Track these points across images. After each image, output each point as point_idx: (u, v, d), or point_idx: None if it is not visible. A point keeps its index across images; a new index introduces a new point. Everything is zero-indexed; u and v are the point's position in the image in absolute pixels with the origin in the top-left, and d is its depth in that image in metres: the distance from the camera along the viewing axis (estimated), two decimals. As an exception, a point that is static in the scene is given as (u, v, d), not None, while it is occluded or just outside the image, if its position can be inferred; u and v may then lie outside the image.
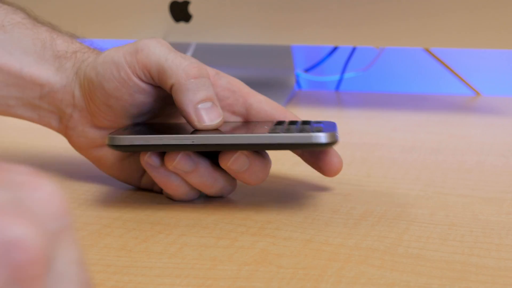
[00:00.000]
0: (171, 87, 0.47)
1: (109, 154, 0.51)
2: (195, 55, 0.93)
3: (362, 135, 0.70)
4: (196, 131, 0.46)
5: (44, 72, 0.51)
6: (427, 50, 0.97)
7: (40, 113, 0.52)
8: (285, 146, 0.45)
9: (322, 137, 0.44)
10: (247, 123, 0.50)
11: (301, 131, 0.45)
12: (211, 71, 0.50)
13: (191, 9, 0.82)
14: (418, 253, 0.41)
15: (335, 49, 1.02)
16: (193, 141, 0.45)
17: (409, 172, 0.57)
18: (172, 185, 0.48)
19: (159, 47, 0.47)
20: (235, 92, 0.50)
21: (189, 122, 0.47)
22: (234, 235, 0.44)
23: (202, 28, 0.82)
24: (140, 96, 0.48)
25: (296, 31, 0.80)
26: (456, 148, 0.65)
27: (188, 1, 0.82)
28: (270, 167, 0.48)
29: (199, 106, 0.46)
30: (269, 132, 0.45)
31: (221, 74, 0.50)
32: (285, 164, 0.58)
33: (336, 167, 0.49)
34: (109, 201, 0.50)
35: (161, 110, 0.51)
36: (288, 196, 0.51)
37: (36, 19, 0.54)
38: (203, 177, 0.47)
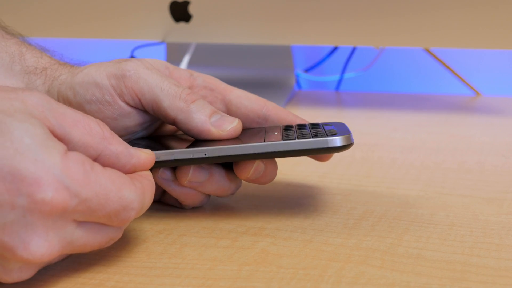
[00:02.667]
0: (173, 120, 0.46)
1: None
2: (195, 55, 0.93)
3: (362, 135, 0.70)
4: (205, 143, 0.45)
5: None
6: (427, 50, 0.97)
7: None
8: (301, 152, 0.44)
9: (338, 141, 0.43)
10: (253, 129, 0.49)
11: (316, 135, 0.44)
12: (185, 73, 0.49)
13: (191, 9, 0.82)
14: (418, 253, 0.41)
15: (335, 49, 1.02)
16: (205, 154, 0.44)
17: (409, 172, 0.57)
18: (190, 196, 0.47)
19: (150, 74, 0.46)
20: (213, 90, 0.50)
21: (212, 137, 0.46)
22: (234, 235, 0.44)
23: (202, 28, 0.82)
24: (123, 119, 0.47)
25: (296, 31, 0.80)
26: (456, 148, 0.65)
27: (188, 1, 0.82)
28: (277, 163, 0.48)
29: (212, 120, 0.45)
30: (283, 139, 0.44)
31: (196, 74, 0.50)
32: (285, 164, 0.58)
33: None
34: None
35: (143, 129, 0.49)
36: (288, 196, 0.51)
37: (6, 30, 0.52)
38: (219, 182, 0.47)
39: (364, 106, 0.87)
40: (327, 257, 0.41)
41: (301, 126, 0.47)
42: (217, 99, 0.50)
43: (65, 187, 0.34)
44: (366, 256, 0.41)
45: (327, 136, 0.44)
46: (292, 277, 0.38)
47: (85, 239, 0.37)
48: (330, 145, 0.43)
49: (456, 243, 0.43)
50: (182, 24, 0.83)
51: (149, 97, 0.46)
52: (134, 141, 0.47)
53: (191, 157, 0.44)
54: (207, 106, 0.46)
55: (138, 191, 0.38)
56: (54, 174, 0.34)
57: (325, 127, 0.47)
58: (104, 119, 0.46)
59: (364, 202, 0.50)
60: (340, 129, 0.46)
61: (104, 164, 0.39)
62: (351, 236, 0.44)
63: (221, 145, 0.44)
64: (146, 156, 0.41)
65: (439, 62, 0.97)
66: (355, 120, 0.79)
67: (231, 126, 0.46)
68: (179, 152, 0.44)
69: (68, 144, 0.37)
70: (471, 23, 0.76)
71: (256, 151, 0.44)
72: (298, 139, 0.44)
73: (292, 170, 0.57)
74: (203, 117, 0.45)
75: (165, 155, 0.44)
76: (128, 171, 0.40)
